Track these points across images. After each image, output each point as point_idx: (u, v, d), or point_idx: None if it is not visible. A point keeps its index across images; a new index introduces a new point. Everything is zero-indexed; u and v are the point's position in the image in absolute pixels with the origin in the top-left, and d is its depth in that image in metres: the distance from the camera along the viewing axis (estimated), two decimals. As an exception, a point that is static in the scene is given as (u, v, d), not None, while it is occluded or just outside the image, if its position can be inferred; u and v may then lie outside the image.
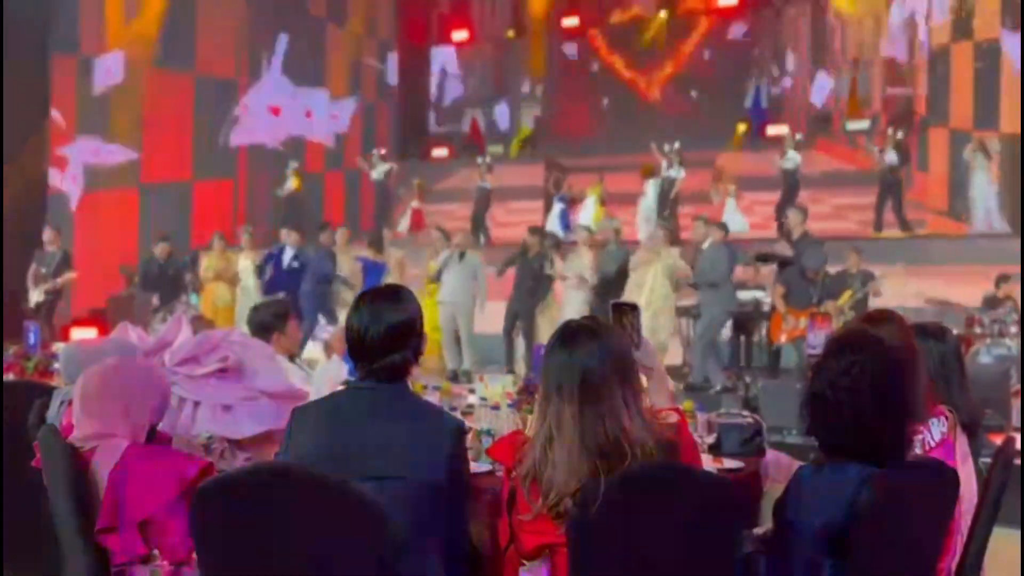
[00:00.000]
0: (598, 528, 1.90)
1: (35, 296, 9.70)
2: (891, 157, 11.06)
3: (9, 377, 4.27)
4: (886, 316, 2.88)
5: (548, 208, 14.21)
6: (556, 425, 1.96)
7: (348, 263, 9.68)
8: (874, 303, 7.75)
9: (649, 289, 8.23)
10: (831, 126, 13.65)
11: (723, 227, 8.28)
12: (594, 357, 1.98)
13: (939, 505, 2.09)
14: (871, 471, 1.97)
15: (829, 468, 2.03)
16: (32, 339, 4.49)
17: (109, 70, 11.01)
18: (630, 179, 13.07)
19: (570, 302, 8.64)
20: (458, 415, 2.80)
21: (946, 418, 2.51)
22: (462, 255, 8.95)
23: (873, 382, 2.00)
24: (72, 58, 12.23)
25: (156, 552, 2.21)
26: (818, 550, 2.00)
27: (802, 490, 2.03)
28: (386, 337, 2.12)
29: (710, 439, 2.88)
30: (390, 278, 9.13)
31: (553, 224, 12.81)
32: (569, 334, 2.04)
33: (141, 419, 2.30)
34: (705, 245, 8.07)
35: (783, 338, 7.66)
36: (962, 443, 2.60)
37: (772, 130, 13.53)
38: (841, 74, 13.88)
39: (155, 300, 10.00)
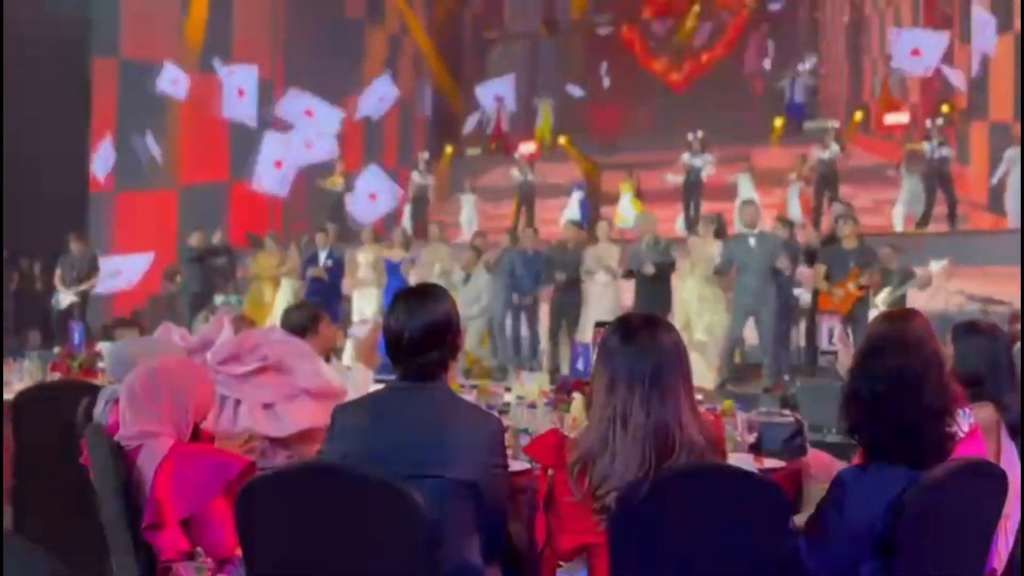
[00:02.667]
0: (640, 524, 1.89)
1: (66, 298, 9.92)
2: (944, 150, 10.77)
3: (55, 376, 4.36)
4: (907, 316, 2.84)
5: (592, 202, 14.15)
6: (622, 414, 1.96)
7: (371, 261, 9.73)
8: (914, 300, 7.62)
9: (698, 299, 8.13)
10: (868, 120, 13.42)
11: (788, 222, 8.18)
12: (665, 350, 2.00)
13: (986, 506, 2.05)
14: (915, 472, 1.94)
15: (872, 470, 2.01)
16: (77, 339, 4.58)
17: (176, 80, 11.16)
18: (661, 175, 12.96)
19: (601, 297, 8.58)
20: (495, 413, 2.81)
21: (970, 409, 2.48)
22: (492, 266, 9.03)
23: (912, 384, 1.98)
24: (113, 60, 12.46)
25: (200, 549, 2.24)
26: (860, 552, 1.97)
27: (844, 492, 2.00)
28: (423, 336, 2.13)
29: (751, 438, 2.86)
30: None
31: (572, 215, 12.74)
32: (639, 326, 2.04)
33: (185, 418, 2.33)
34: (756, 232, 7.83)
35: (843, 307, 7.51)
36: (1008, 443, 2.55)
37: (810, 125, 13.33)
38: (876, 67, 13.68)
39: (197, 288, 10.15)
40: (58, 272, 10.10)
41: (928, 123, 11.28)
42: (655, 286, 8.29)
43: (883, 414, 1.97)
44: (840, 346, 2.89)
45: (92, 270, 10.09)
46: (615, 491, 1.92)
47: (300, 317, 3.54)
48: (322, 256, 9.71)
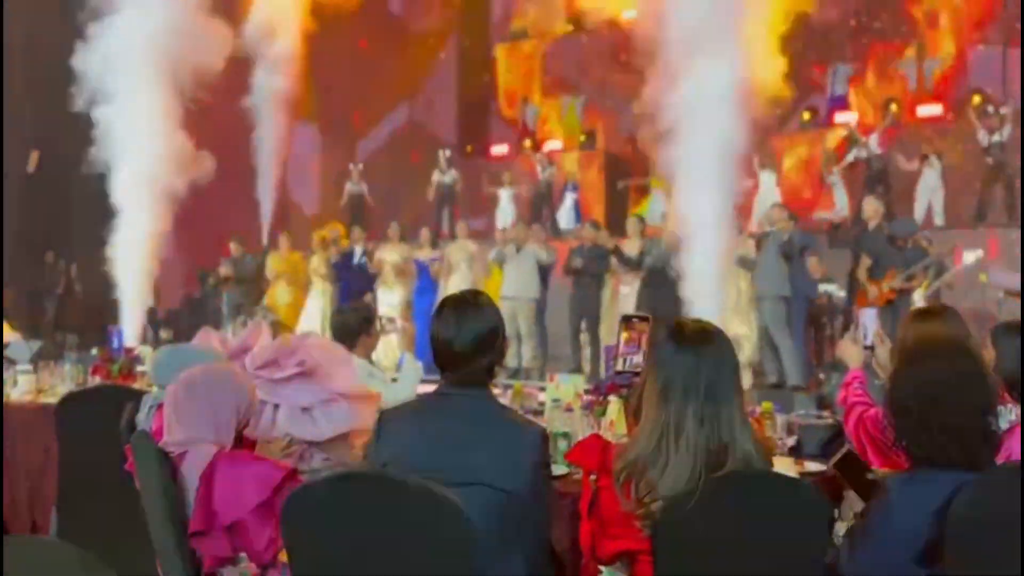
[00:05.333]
0: (685, 530, 1.90)
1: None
2: (1002, 134, 10.48)
3: (96, 380, 4.43)
4: (940, 310, 2.81)
5: (609, 200, 14.09)
6: (676, 424, 1.94)
7: (395, 260, 9.80)
8: (948, 296, 7.52)
9: (736, 290, 8.08)
10: (901, 111, 13.16)
11: (792, 215, 8.12)
12: (720, 360, 1.98)
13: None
14: (964, 479, 1.93)
15: (919, 476, 1.99)
16: (116, 343, 4.64)
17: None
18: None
19: (627, 296, 8.58)
20: (530, 416, 2.82)
21: (1014, 404, 2.45)
22: (518, 248, 8.98)
23: (956, 387, 1.97)
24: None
25: (244, 555, 2.27)
26: (905, 560, 1.96)
27: (890, 498, 1.99)
28: (473, 344, 2.15)
29: (791, 441, 2.85)
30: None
31: (565, 216, 12.70)
32: (694, 334, 2.02)
33: (229, 425, 2.36)
34: (772, 230, 7.83)
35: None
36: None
37: (840, 117, 13.09)
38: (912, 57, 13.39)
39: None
40: None
41: (990, 109, 11.00)
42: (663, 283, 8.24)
43: (931, 418, 1.95)
44: (877, 342, 2.89)
45: None
46: (661, 500, 1.91)
47: (354, 318, 3.61)
48: (358, 252, 9.83)
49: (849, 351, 2.90)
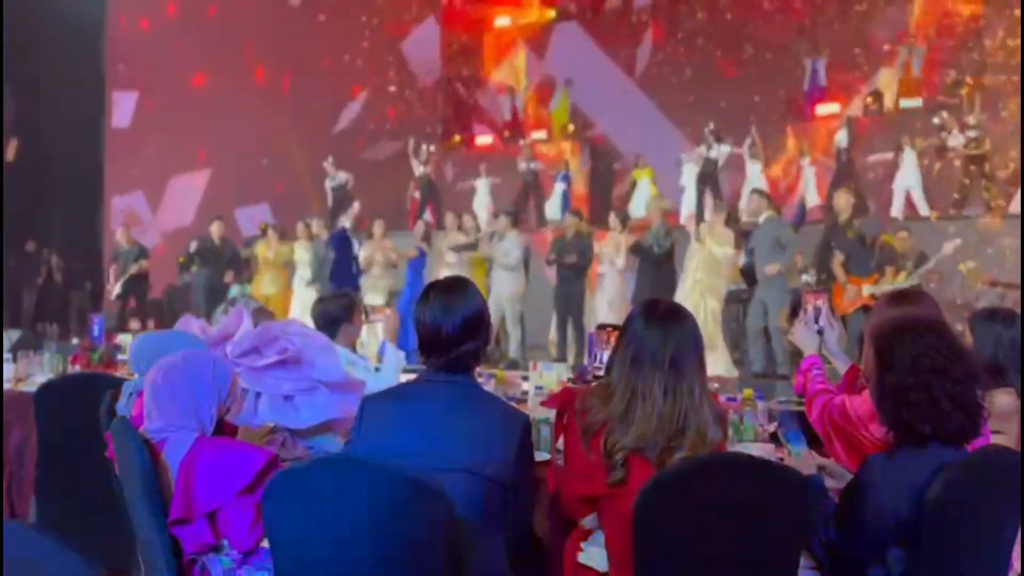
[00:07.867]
0: (664, 512, 1.93)
1: (116, 289, 10.16)
2: (966, 135, 10.62)
3: (75, 369, 4.40)
4: (915, 295, 2.83)
5: (593, 190, 14.10)
6: (642, 391, 2.11)
7: (382, 253, 9.77)
8: (928, 286, 7.59)
9: (692, 280, 8.09)
10: (882, 105, 13.22)
11: (771, 202, 8.14)
12: (686, 337, 2.15)
13: (1012, 494, 2.05)
14: (944, 459, 1.95)
15: (901, 456, 2.02)
16: (96, 331, 4.61)
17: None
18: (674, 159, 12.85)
19: (606, 287, 8.62)
20: (513, 404, 2.82)
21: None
22: (500, 238, 9.02)
23: (957, 356, 2.03)
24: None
25: (226, 542, 2.25)
26: (887, 538, 1.98)
27: (872, 477, 2.01)
28: (460, 330, 2.18)
29: (771, 427, 2.86)
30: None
31: (555, 205, 12.72)
32: (667, 311, 2.19)
33: (209, 411, 2.34)
34: (760, 220, 7.86)
35: (848, 308, 7.51)
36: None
37: (822, 109, 13.13)
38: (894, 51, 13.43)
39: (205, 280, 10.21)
40: (113, 267, 10.38)
41: (948, 116, 11.11)
42: (658, 272, 8.29)
43: (936, 388, 1.99)
44: (827, 326, 2.91)
45: (140, 257, 10.33)
46: (624, 451, 2.08)
47: (338, 307, 3.59)
48: (355, 244, 9.81)
49: (802, 335, 2.91)
